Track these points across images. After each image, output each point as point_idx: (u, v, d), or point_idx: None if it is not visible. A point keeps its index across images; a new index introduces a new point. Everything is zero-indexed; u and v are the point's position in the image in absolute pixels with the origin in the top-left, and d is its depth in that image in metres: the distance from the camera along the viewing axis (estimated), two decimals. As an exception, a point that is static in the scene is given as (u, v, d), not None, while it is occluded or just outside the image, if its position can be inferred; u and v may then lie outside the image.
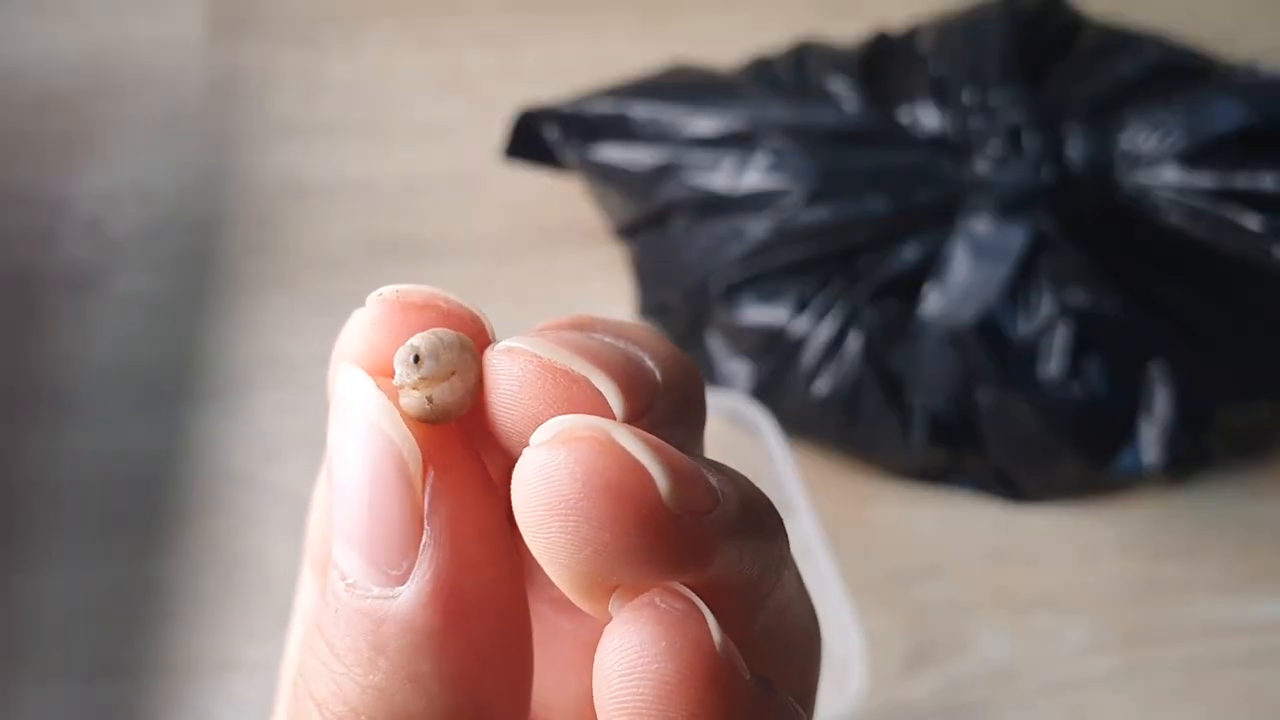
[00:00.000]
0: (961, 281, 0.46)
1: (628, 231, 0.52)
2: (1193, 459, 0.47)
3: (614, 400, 0.14)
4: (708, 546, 0.14)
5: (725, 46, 0.57)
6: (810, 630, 0.16)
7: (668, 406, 0.15)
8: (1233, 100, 0.48)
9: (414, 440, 0.14)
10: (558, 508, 0.13)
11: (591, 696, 0.13)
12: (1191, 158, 0.47)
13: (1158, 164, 0.47)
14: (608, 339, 0.15)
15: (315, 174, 0.55)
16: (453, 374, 0.14)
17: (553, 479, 0.13)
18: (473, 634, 0.14)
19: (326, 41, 0.60)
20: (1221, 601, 0.45)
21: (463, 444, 0.15)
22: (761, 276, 0.48)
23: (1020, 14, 0.52)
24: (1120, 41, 0.53)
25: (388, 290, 0.15)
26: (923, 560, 0.46)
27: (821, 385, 0.46)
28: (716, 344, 0.49)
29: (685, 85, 0.51)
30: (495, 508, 0.15)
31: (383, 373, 0.15)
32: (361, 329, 0.15)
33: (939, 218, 0.47)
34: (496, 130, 0.53)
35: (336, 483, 0.14)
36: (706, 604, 0.14)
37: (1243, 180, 0.46)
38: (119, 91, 0.58)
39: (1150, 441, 0.45)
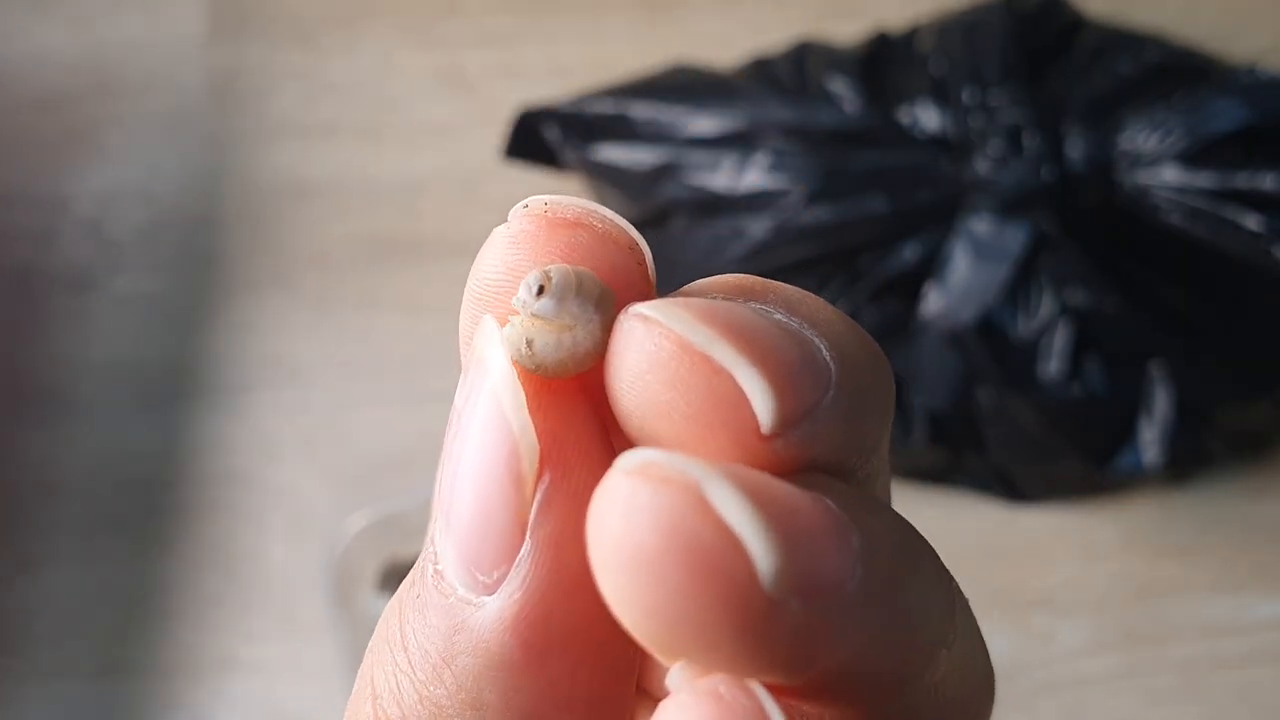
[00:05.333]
0: (961, 281, 0.46)
1: (628, 231, 0.51)
2: (1193, 459, 0.46)
3: (762, 405, 0.11)
4: (818, 643, 0.11)
5: (725, 46, 0.56)
6: (972, 701, 0.13)
7: (842, 406, 0.12)
8: (1233, 100, 0.47)
9: (534, 434, 0.12)
10: (629, 559, 0.11)
11: None
12: (1191, 158, 0.47)
13: (1158, 164, 0.47)
14: (777, 314, 0.13)
15: (315, 174, 0.55)
16: (571, 328, 0.12)
17: (630, 522, 0.11)
18: (554, 672, 0.12)
19: (326, 41, 0.60)
20: (1220, 601, 0.45)
21: (598, 445, 0.12)
22: (762, 276, 0.47)
23: (1020, 14, 0.52)
24: (1120, 41, 0.53)
25: (534, 201, 0.13)
26: (923, 560, 0.46)
27: (821, 385, 0.46)
28: (716, 344, 0.48)
29: (685, 85, 0.51)
30: None
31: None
32: (500, 247, 0.13)
33: (939, 218, 0.47)
34: (496, 130, 0.53)
35: (450, 452, 0.12)
36: (805, 698, 0.11)
37: (1243, 180, 0.46)
38: (119, 91, 0.58)
39: (1150, 441, 0.45)
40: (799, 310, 0.13)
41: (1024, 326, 0.46)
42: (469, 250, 0.14)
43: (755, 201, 0.48)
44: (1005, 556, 0.46)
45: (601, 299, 0.12)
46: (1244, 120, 0.47)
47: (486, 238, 0.13)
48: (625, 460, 0.11)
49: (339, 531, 0.43)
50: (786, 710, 0.11)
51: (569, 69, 0.59)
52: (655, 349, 0.12)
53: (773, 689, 0.11)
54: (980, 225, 0.46)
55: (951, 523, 0.46)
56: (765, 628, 0.10)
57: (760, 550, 0.10)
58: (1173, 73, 0.51)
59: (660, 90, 0.51)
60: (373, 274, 0.52)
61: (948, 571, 0.13)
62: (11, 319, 0.51)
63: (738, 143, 0.49)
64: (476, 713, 0.12)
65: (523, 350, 0.12)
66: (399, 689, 0.12)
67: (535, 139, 0.51)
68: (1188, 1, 0.61)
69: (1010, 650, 0.44)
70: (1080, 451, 0.45)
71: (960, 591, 0.13)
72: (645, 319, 0.12)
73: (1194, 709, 0.43)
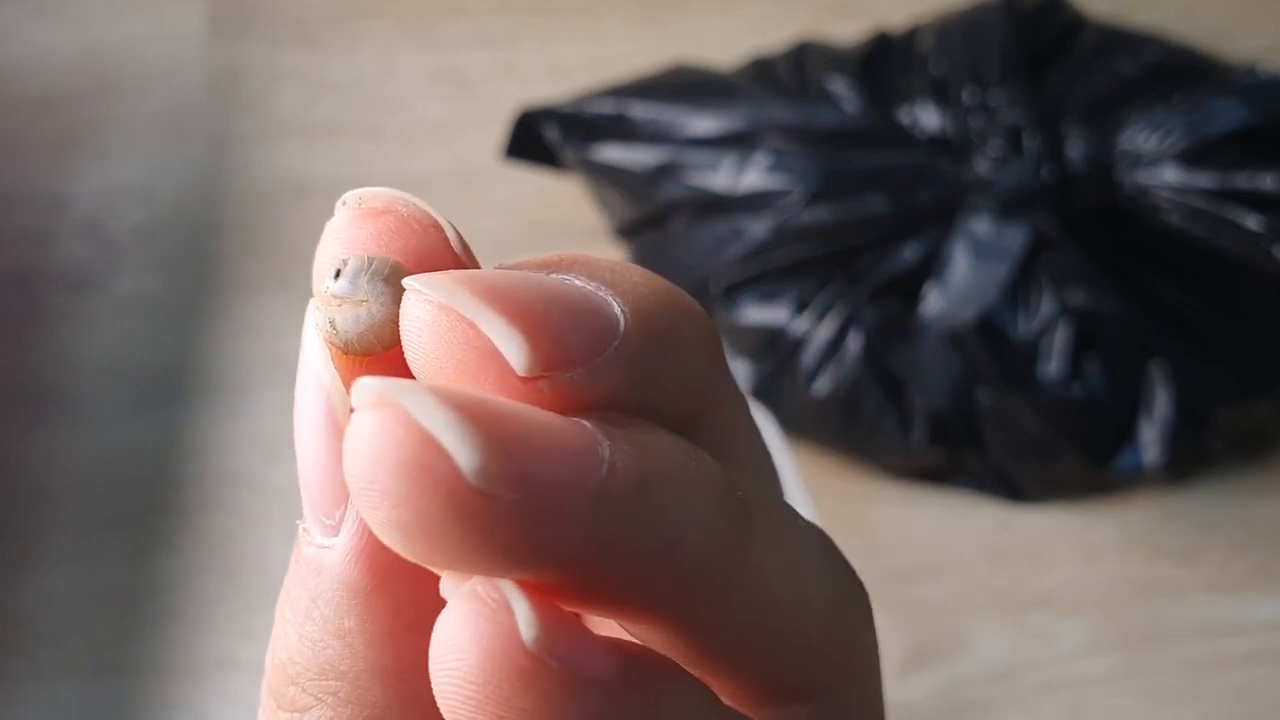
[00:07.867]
0: (961, 281, 0.46)
1: (628, 231, 0.51)
2: (1193, 459, 0.47)
3: (511, 350, 0.12)
4: (548, 531, 0.12)
5: (725, 46, 0.57)
6: (820, 611, 0.14)
7: (632, 353, 0.13)
8: (1233, 100, 0.48)
9: (340, 383, 0.13)
10: (362, 481, 0.12)
11: None
12: (1191, 158, 0.47)
13: (1158, 164, 0.47)
14: (570, 279, 0.13)
15: (315, 174, 0.55)
16: (365, 303, 0.13)
17: (357, 449, 0.12)
18: (399, 593, 0.13)
19: (326, 41, 0.60)
20: (1221, 601, 0.45)
21: None
22: (761, 276, 0.48)
23: (1020, 14, 0.52)
24: (1120, 41, 0.53)
25: (351, 196, 0.14)
26: (922, 560, 0.46)
27: (821, 385, 0.46)
28: (716, 344, 0.48)
29: (685, 85, 0.51)
30: None
31: None
32: (324, 241, 0.14)
33: (939, 218, 0.47)
34: (496, 130, 0.53)
35: (295, 424, 0.14)
36: (579, 600, 0.12)
37: (1243, 180, 0.46)
38: (119, 91, 0.58)
39: (1150, 441, 0.45)
40: (598, 274, 0.14)
41: (1024, 326, 0.46)
42: (468, 251, 0.14)
43: (755, 201, 0.48)
44: (1005, 556, 0.46)
45: (393, 275, 0.13)
46: (1244, 120, 0.47)
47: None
48: (352, 396, 0.12)
49: (339, 531, 0.43)
50: (581, 621, 0.12)
51: (568, 69, 0.59)
52: (422, 313, 0.13)
53: (543, 593, 0.12)
54: (980, 225, 0.46)
55: (951, 523, 0.47)
56: (483, 520, 0.11)
57: (457, 445, 0.11)
58: (1173, 73, 0.51)
59: (660, 90, 0.51)
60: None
61: (756, 489, 0.13)
62: (11, 319, 0.51)
63: (737, 143, 0.49)
64: (341, 640, 0.13)
65: (327, 329, 0.14)
66: (285, 636, 0.14)
67: (535, 139, 0.51)
68: (1188, 1, 0.61)
69: (1010, 650, 0.44)
70: (1080, 452, 0.45)
71: (786, 508, 0.14)
72: (415, 290, 0.13)
73: (1194, 709, 0.43)
